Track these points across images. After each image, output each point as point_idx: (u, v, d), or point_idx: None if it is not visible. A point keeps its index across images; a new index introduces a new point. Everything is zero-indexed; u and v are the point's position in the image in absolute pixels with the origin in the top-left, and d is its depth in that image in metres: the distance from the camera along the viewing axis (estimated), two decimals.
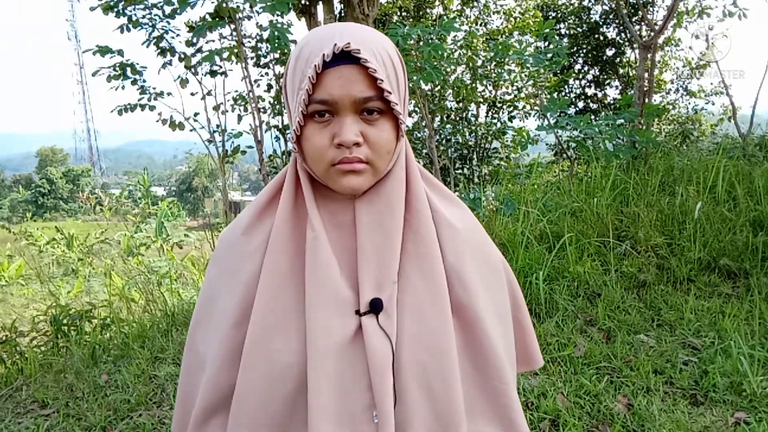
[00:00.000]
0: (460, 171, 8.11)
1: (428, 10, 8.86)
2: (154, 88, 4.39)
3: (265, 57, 5.41)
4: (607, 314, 2.99)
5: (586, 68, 9.62)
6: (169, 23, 4.33)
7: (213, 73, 4.52)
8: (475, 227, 0.87)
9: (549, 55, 4.70)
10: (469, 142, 8.14)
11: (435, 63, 4.16)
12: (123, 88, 4.26)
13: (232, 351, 0.76)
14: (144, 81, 4.32)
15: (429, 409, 0.74)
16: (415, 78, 3.94)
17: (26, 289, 8.17)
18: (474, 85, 7.26)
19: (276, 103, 5.45)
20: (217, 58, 4.13)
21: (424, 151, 6.41)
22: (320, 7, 5.73)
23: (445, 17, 7.48)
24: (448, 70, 6.84)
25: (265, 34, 4.84)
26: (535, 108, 7.28)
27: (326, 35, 0.72)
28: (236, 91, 5.19)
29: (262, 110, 4.52)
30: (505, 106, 8.52)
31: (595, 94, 9.77)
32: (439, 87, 7.17)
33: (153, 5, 4.18)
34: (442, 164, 7.20)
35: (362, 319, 0.74)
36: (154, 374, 2.85)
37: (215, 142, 4.50)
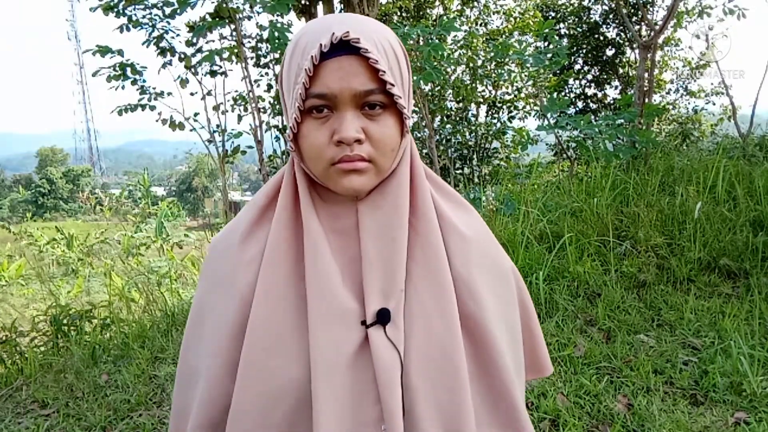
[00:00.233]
0: (460, 171, 8.11)
1: (428, 10, 8.86)
2: (154, 88, 4.39)
3: (265, 57, 5.42)
4: (607, 314, 2.99)
5: (586, 68, 9.62)
6: (169, 23, 4.33)
7: (213, 73, 4.52)
8: (483, 233, 0.83)
9: (549, 55, 4.70)
10: (469, 142, 8.14)
11: (435, 63, 4.16)
12: (123, 88, 4.26)
13: (227, 366, 0.72)
14: (144, 81, 4.33)
15: (439, 423, 0.71)
16: (415, 78, 3.94)
17: (26, 289, 8.17)
18: (474, 85, 7.26)
19: (276, 103, 5.45)
20: (217, 58, 4.14)
21: (424, 151, 6.41)
22: (320, 7, 5.73)
23: (445, 17, 7.48)
24: (448, 70, 6.84)
25: (265, 34, 4.84)
26: (535, 108, 7.29)
27: (323, 25, 0.67)
28: (236, 91, 5.20)
29: (262, 110, 4.52)
30: (505, 106, 8.53)
31: (595, 94, 9.77)
32: (439, 87, 7.17)
33: (153, 5, 4.18)
34: (442, 164, 7.20)
35: (369, 331, 0.70)
36: (154, 374, 2.85)
37: (215, 142, 4.50)
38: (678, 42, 9.11)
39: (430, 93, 7.16)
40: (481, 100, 8.27)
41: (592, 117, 6.33)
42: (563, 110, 5.00)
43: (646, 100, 5.62)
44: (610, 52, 9.32)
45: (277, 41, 3.76)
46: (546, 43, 6.87)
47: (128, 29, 4.24)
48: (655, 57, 6.04)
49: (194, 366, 0.78)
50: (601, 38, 9.16)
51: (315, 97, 0.66)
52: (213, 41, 4.50)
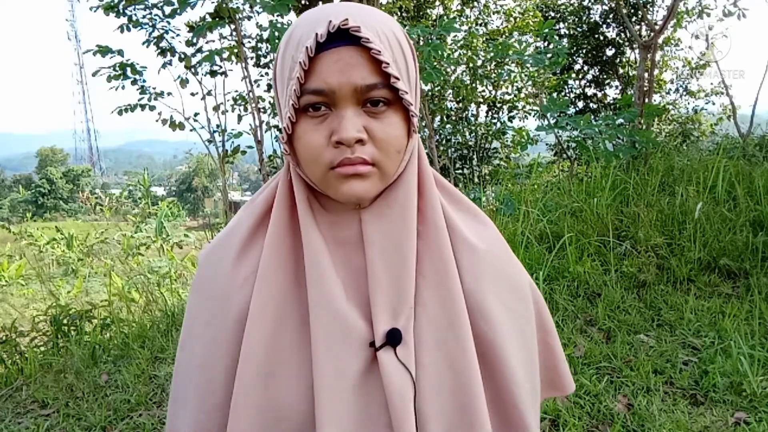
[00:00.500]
0: (460, 171, 8.11)
1: (428, 10, 8.86)
2: (154, 88, 4.39)
3: (265, 57, 5.42)
4: (607, 314, 2.99)
5: (586, 68, 9.63)
6: (169, 23, 4.33)
7: (213, 73, 4.52)
8: (499, 247, 0.75)
9: (549, 55, 4.70)
10: (469, 142, 8.14)
11: (435, 63, 4.16)
12: (123, 88, 4.26)
13: (219, 394, 0.67)
14: (144, 81, 4.32)
15: None
16: None
17: (26, 289, 8.19)
18: (474, 85, 7.26)
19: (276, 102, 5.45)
20: (217, 58, 4.14)
21: (425, 151, 6.41)
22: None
23: (445, 17, 7.49)
24: (448, 70, 6.84)
25: (265, 34, 4.85)
26: (535, 108, 7.29)
27: (320, 14, 0.60)
28: (236, 91, 5.20)
29: (262, 110, 4.52)
30: (505, 106, 8.53)
31: (595, 94, 9.78)
32: (439, 87, 7.17)
33: (153, 5, 4.18)
34: (442, 164, 7.21)
35: (378, 353, 0.64)
36: (154, 374, 2.85)
37: (215, 142, 4.50)
38: (678, 42, 9.10)
39: (430, 93, 7.16)
40: (481, 100, 8.27)
41: (592, 117, 6.33)
42: (563, 110, 5.00)
43: (646, 100, 5.62)
44: (610, 52, 9.33)
45: (277, 41, 3.76)
46: (546, 43, 6.88)
47: (128, 29, 4.24)
48: (655, 57, 6.04)
49: (183, 395, 0.72)
50: (601, 38, 9.16)
51: (311, 94, 0.60)
52: (213, 41, 4.49)
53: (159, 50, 4.38)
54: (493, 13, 9.16)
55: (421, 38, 4.12)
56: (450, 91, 7.34)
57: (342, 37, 0.58)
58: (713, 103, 9.17)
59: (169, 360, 2.98)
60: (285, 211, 0.67)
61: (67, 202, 38.74)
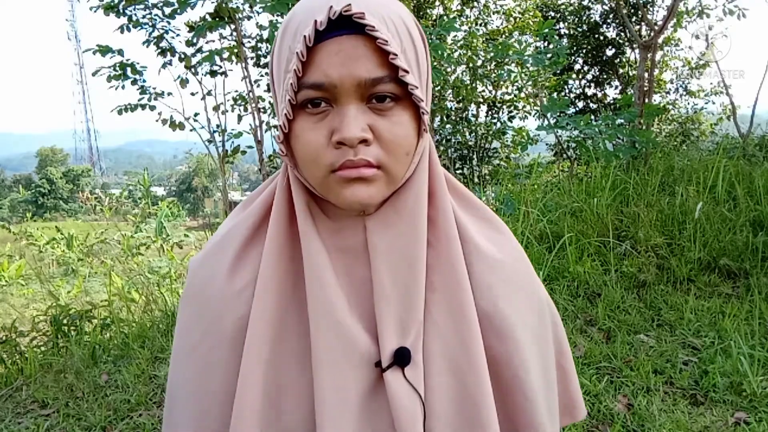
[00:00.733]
0: (460, 171, 8.11)
1: (428, 10, 8.86)
2: (154, 88, 4.39)
3: (265, 57, 5.42)
4: (607, 314, 2.99)
5: (586, 68, 9.62)
6: (169, 23, 4.33)
7: (213, 73, 4.51)
8: (516, 257, 0.70)
9: (549, 55, 4.70)
10: (469, 142, 8.14)
11: (435, 63, 4.16)
12: (123, 88, 4.26)
13: (215, 426, 0.63)
14: (144, 81, 4.33)
15: None
16: None
17: (26, 289, 8.19)
18: (474, 85, 7.26)
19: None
20: (217, 58, 4.14)
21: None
22: None
23: (445, 17, 7.49)
24: (448, 70, 6.84)
25: (265, 34, 4.85)
26: (535, 108, 7.29)
27: (320, 1, 0.54)
28: (236, 91, 5.19)
29: (262, 110, 4.51)
30: (505, 106, 8.53)
31: (595, 94, 9.77)
32: (439, 87, 7.17)
33: (153, 5, 4.18)
34: (442, 164, 7.19)
35: (385, 374, 0.59)
36: (154, 374, 2.85)
37: (215, 142, 4.50)
38: (678, 42, 9.10)
39: None
40: (481, 100, 8.26)
41: (592, 117, 6.34)
42: (563, 110, 5.00)
43: (646, 100, 5.62)
44: (610, 52, 9.32)
45: None
46: (546, 43, 6.88)
47: (128, 29, 4.24)
48: (655, 57, 6.04)
49: (177, 421, 0.67)
50: (601, 38, 9.16)
51: (309, 88, 0.54)
52: (213, 41, 4.49)
53: (159, 50, 4.38)
54: (493, 13, 9.16)
55: None
56: (450, 91, 7.34)
57: (344, 25, 0.52)
58: (713, 103, 9.17)
59: (169, 360, 2.98)
60: (283, 217, 0.62)
61: (67, 202, 38.75)
